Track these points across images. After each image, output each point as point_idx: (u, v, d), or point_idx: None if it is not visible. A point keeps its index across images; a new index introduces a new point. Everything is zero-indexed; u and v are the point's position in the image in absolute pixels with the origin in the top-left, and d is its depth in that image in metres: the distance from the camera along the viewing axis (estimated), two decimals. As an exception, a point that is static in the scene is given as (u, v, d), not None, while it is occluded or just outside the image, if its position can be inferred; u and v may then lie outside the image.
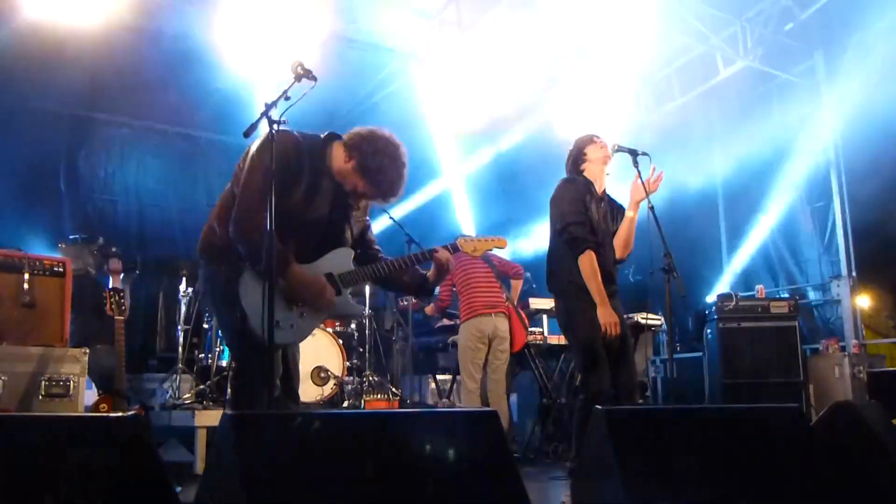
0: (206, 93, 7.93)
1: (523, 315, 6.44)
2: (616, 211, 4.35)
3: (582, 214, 4.11)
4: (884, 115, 6.91)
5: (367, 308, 6.92)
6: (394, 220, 3.91)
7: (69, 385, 4.61)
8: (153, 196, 9.19)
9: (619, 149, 4.23)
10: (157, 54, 7.33)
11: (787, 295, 7.86)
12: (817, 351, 7.61)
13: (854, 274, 7.85)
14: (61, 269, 4.91)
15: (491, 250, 3.64)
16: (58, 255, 5.52)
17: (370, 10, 7.55)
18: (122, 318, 4.85)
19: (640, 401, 7.72)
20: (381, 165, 3.14)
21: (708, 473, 2.56)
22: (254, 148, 3.08)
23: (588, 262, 4.02)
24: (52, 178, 8.44)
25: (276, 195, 2.85)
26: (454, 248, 3.43)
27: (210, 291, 3.26)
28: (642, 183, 4.10)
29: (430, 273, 3.41)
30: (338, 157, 3.20)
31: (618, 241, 4.28)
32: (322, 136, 3.25)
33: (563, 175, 4.33)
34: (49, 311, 4.81)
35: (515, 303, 6.42)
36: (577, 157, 4.31)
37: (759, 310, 7.21)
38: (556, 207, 4.21)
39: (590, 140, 4.28)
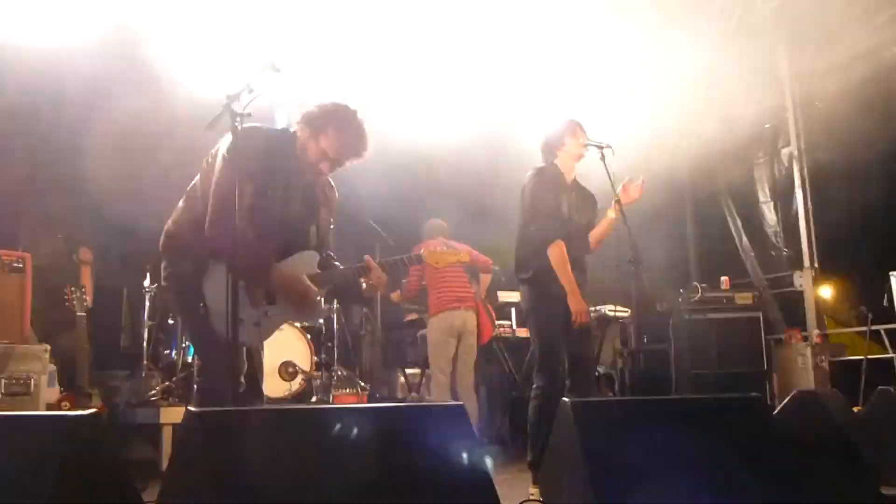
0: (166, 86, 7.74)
1: (490, 308, 6.45)
2: (587, 198, 4.37)
3: (551, 206, 4.13)
4: (846, 107, 7.01)
5: (334, 302, 6.88)
6: (373, 225, 3.88)
7: (30, 383, 4.51)
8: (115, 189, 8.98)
9: (588, 144, 4.24)
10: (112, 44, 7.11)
11: (751, 286, 7.96)
12: (781, 341, 7.72)
13: (816, 265, 7.98)
14: (21, 265, 4.81)
15: (454, 263, 3.63)
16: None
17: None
18: (83, 313, 4.77)
19: (610, 393, 7.80)
20: (332, 119, 3.14)
21: (673, 464, 2.58)
22: (224, 145, 3.02)
23: (557, 253, 4.05)
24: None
25: (253, 192, 2.81)
26: (418, 260, 3.43)
27: (173, 288, 3.21)
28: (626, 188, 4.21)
29: (364, 290, 3.39)
30: (301, 139, 3.18)
31: (593, 236, 4.35)
32: (291, 129, 3.23)
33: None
34: (8, 307, 4.71)
35: (483, 296, 6.43)
36: (554, 143, 4.30)
37: (724, 301, 7.32)
38: (526, 198, 4.23)
39: (572, 130, 4.26)
